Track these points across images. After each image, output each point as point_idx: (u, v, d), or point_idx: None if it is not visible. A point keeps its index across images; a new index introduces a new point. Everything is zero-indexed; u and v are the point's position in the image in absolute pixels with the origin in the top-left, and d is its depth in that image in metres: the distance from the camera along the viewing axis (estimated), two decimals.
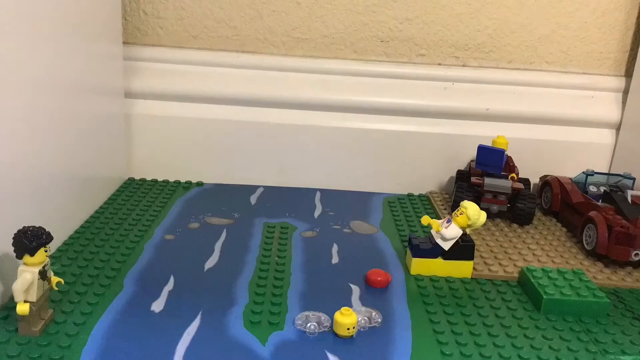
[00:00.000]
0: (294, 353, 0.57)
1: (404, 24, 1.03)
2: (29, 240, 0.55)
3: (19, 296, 0.54)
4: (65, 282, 0.67)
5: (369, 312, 0.64)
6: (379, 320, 0.63)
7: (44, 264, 0.56)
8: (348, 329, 0.59)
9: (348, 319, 0.60)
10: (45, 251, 0.56)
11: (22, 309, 0.55)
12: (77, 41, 0.79)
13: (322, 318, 0.62)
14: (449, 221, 0.73)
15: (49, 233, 0.56)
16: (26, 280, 0.54)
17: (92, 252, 0.75)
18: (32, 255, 0.55)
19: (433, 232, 0.74)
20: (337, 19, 1.02)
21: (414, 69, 1.04)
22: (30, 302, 0.55)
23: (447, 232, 0.73)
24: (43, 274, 0.56)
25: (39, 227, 0.56)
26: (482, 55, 1.05)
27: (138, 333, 0.59)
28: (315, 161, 1.04)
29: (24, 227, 0.56)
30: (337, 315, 0.60)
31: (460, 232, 0.73)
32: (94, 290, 0.66)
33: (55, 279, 0.59)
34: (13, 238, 0.56)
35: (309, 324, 0.61)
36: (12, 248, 0.56)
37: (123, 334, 0.58)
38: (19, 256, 0.55)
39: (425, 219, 0.75)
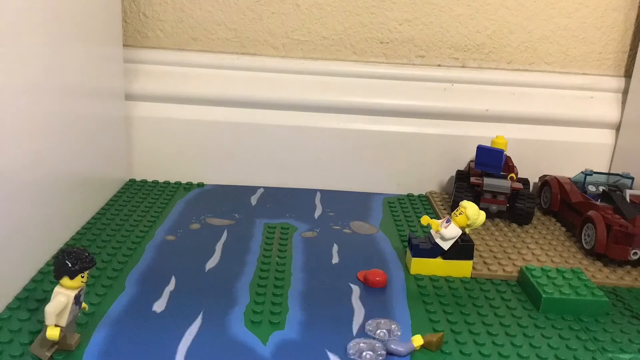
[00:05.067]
0: (295, 352, 0.58)
1: (403, 25, 1.03)
2: (72, 262, 0.52)
3: (50, 319, 0.52)
4: None
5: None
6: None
7: (80, 289, 0.54)
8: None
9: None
10: (82, 276, 0.53)
11: (53, 333, 0.52)
12: (78, 44, 0.79)
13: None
14: (448, 221, 0.74)
15: (92, 257, 0.54)
16: (60, 303, 0.52)
17: (93, 253, 0.75)
18: (72, 278, 0.52)
19: (432, 232, 0.75)
20: (336, 21, 1.02)
21: (413, 70, 1.04)
22: (60, 327, 0.53)
23: (447, 232, 0.73)
24: (77, 299, 0.54)
25: (83, 248, 0.54)
26: (482, 56, 1.05)
27: (140, 333, 0.59)
28: (315, 162, 1.04)
29: (68, 247, 0.54)
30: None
31: (460, 232, 0.73)
32: (95, 290, 0.66)
33: (83, 305, 0.56)
34: (55, 257, 0.53)
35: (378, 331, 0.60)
36: (53, 267, 0.53)
37: (125, 334, 0.59)
38: (58, 277, 0.53)
39: (425, 219, 0.75)
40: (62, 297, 0.53)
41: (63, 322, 0.53)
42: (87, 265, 0.53)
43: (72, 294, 0.53)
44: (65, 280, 0.53)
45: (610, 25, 1.05)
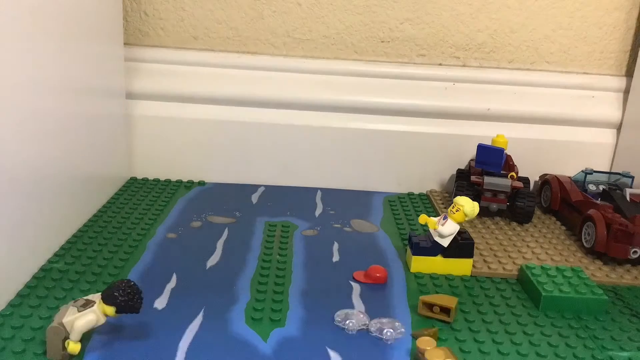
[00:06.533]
0: (295, 349, 0.58)
1: (404, 24, 1.03)
2: (133, 302, 0.54)
3: (77, 335, 0.53)
4: (69, 280, 0.68)
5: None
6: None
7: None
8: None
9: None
10: None
11: (74, 348, 0.53)
12: (79, 42, 0.79)
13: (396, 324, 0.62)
14: (445, 218, 0.74)
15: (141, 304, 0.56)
16: (90, 322, 0.53)
17: (95, 251, 0.76)
18: (117, 312, 0.54)
19: (431, 230, 0.75)
20: (337, 20, 1.03)
21: (414, 69, 1.05)
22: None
23: (444, 229, 0.73)
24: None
25: (140, 292, 0.56)
26: (483, 55, 1.05)
27: (141, 330, 0.60)
28: (316, 161, 1.05)
29: (133, 284, 0.55)
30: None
31: (458, 227, 0.73)
32: (97, 287, 0.67)
33: None
34: (123, 288, 0.54)
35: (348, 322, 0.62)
36: (108, 292, 0.54)
37: (126, 331, 0.59)
38: (107, 302, 0.54)
39: (422, 218, 0.75)
40: (93, 316, 0.53)
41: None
42: (136, 311, 0.55)
43: (104, 319, 0.54)
44: (109, 309, 0.54)
45: (612, 25, 1.05)
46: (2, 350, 0.54)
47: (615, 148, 1.06)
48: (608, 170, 1.06)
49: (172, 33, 1.03)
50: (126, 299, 0.54)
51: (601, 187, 0.93)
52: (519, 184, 0.93)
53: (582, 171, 0.96)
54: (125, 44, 0.99)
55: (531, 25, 1.04)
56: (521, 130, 1.05)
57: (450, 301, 0.64)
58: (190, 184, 1.03)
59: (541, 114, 1.05)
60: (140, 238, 0.80)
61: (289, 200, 0.99)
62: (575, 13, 1.04)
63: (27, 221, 0.67)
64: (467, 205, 0.72)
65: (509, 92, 1.05)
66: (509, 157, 0.97)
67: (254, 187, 1.04)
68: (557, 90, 1.06)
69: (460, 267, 0.75)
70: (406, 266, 0.77)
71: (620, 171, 0.97)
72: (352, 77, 1.04)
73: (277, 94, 1.02)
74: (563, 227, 0.92)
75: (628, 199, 0.87)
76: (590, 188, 0.94)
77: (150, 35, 1.03)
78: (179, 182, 1.04)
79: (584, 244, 0.84)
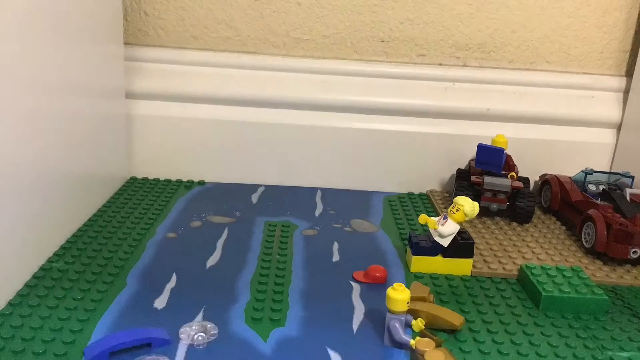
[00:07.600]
0: (295, 349, 0.58)
1: (404, 24, 1.03)
2: None
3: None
4: (69, 280, 0.68)
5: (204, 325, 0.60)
6: (215, 332, 0.60)
7: None
8: (408, 302, 0.59)
9: (401, 294, 0.58)
10: None
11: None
12: (79, 42, 0.79)
13: (208, 326, 0.60)
14: (445, 218, 0.74)
15: None
16: None
17: (95, 250, 0.75)
18: None
19: (431, 230, 0.75)
20: (337, 19, 1.03)
21: (414, 69, 1.05)
22: None
23: (444, 229, 0.73)
24: None
25: None
26: (483, 55, 1.05)
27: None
28: (316, 160, 1.05)
29: None
30: (390, 292, 0.58)
31: (458, 227, 0.73)
32: (97, 287, 0.67)
33: None
34: None
35: (196, 335, 0.58)
36: None
37: None
38: None
39: (422, 218, 0.75)
40: None
41: None
42: None
43: None
44: None
45: (612, 25, 1.05)
46: (2, 350, 0.54)
47: (615, 148, 1.06)
48: (608, 170, 1.06)
49: (172, 33, 1.03)
50: None
51: (601, 187, 0.93)
52: (519, 184, 0.93)
53: (582, 171, 0.96)
54: (125, 43, 0.99)
55: (531, 25, 1.04)
56: (521, 130, 1.05)
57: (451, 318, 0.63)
58: (190, 184, 1.03)
59: (541, 114, 1.05)
60: (140, 238, 0.80)
61: (289, 200, 0.99)
62: (575, 13, 1.04)
63: (27, 220, 0.67)
64: (467, 205, 0.72)
65: (509, 92, 1.05)
66: (509, 157, 0.97)
67: (253, 187, 1.04)
68: (557, 90, 1.06)
69: (460, 267, 0.75)
70: (406, 266, 0.77)
71: (620, 171, 0.97)
72: (352, 77, 1.04)
73: (277, 93, 1.02)
74: (563, 227, 0.92)
75: (628, 199, 0.87)
76: (590, 188, 0.94)
77: (150, 35, 1.03)
78: (179, 182, 1.04)
79: (584, 244, 0.84)
